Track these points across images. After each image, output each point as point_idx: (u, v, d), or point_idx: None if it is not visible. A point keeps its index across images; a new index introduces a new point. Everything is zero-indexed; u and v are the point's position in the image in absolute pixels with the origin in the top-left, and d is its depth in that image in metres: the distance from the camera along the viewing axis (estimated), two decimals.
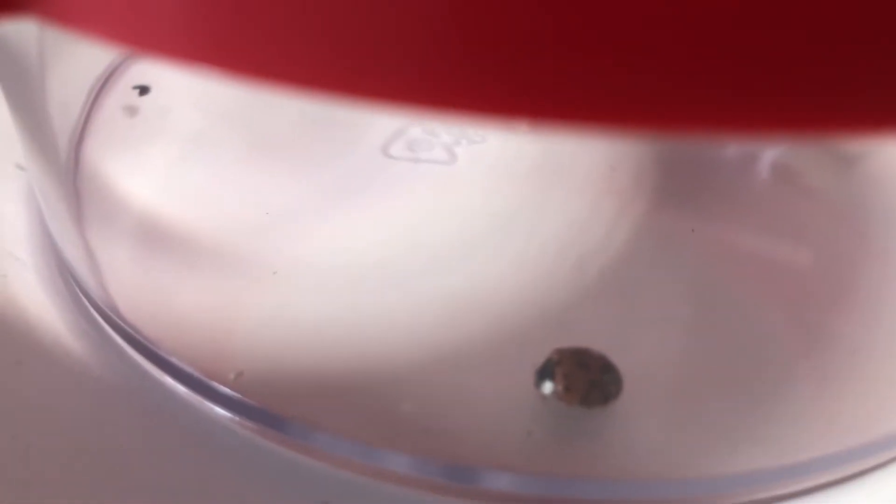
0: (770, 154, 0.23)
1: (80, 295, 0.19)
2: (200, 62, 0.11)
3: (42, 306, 0.19)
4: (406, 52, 0.10)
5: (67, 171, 0.20)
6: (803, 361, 0.18)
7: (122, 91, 0.22)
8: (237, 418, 0.16)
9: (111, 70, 0.22)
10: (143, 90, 0.23)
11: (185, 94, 0.23)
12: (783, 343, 0.18)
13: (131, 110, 0.22)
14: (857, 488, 0.16)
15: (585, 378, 0.16)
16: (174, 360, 0.17)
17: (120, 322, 0.18)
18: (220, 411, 0.17)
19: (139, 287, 0.19)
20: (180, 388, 0.17)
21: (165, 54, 0.11)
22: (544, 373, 0.16)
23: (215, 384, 0.17)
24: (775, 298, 0.19)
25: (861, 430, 0.16)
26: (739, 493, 0.16)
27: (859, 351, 0.18)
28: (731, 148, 0.23)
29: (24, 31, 0.17)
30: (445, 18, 0.10)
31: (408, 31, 0.10)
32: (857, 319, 0.19)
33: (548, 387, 0.16)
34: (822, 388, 0.17)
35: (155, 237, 0.20)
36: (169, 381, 0.17)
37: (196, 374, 0.17)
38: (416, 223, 0.20)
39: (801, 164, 0.23)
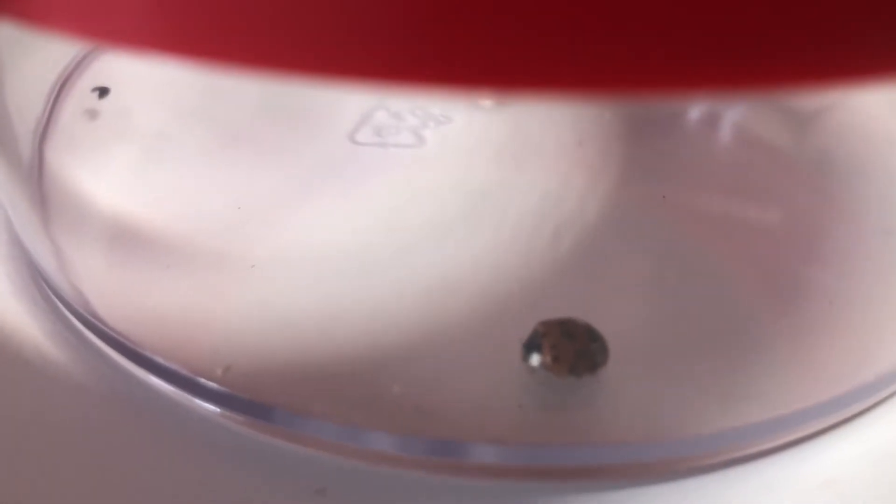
0: (730, 117, 0.23)
1: (57, 301, 0.18)
2: (170, 51, 0.11)
3: (17, 315, 0.18)
4: (373, 26, 0.10)
5: (32, 177, 0.20)
6: (782, 316, 0.18)
7: (80, 94, 0.22)
8: (226, 412, 0.16)
9: (69, 72, 0.22)
10: (103, 92, 0.22)
11: (144, 93, 0.23)
12: (761, 300, 0.18)
13: (92, 113, 0.22)
14: (844, 435, 0.16)
15: (572, 348, 0.16)
16: (158, 358, 0.17)
17: (100, 325, 0.17)
18: (208, 407, 0.17)
19: (116, 289, 0.18)
20: (166, 387, 0.17)
21: (135, 46, 0.11)
22: (531, 345, 0.16)
23: (202, 380, 0.16)
24: (750, 258, 0.19)
25: (844, 378, 0.17)
26: (731, 449, 0.16)
27: (835, 301, 0.18)
28: (693, 113, 0.23)
29: None
30: None
31: (374, 6, 0.10)
32: (830, 271, 0.19)
33: (535, 359, 0.16)
34: (803, 341, 0.18)
35: (128, 238, 0.19)
36: (154, 380, 0.17)
37: (181, 371, 0.17)
38: (390, 207, 0.20)
39: (761, 124, 0.23)
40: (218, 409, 0.16)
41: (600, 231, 0.20)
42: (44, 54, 0.22)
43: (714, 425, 0.16)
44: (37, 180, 0.20)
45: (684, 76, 0.10)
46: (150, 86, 0.23)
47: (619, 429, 0.16)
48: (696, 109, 0.23)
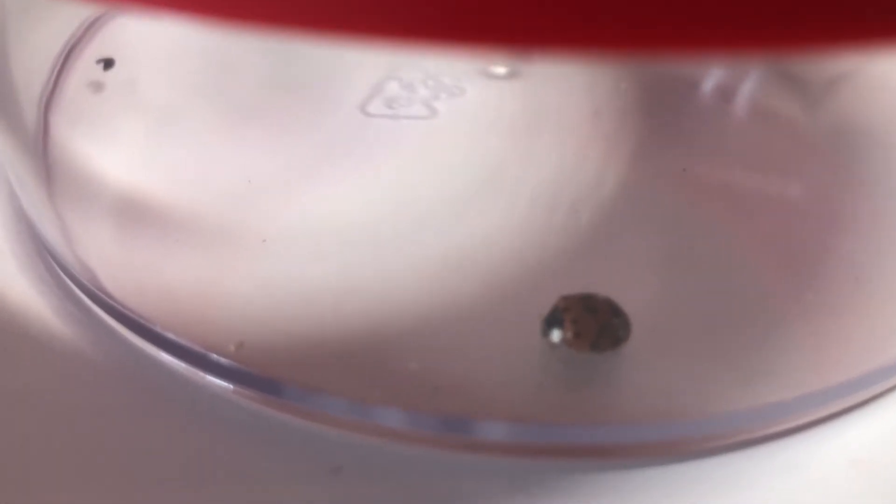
0: (746, 89, 0.22)
1: (64, 277, 0.18)
2: (179, 9, 0.10)
3: (24, 291, 0.18)
4: None
5: (38, 148, 0.19)
6: (806, 291, 0.18)
7: (86, 64, 0.22)
8: (239, 389, 0.16)
9: (74, 41, 0.22)
10: (108, 64, 0.22)
11: (150, 64, 0.22)
12: (784, 275, 0.18)
13: (97, 85, 0.22)
14: (870, 413, 0.16)
15: (594, 323, 0.16)
16: (168, 334, 0.16)
17: (109, 301, 0.17)
18: (220, 383, 0.16)
19: (125, 264, 0.18)
20: (177, 363, 0.17)
21: (143, 5, 0.11)
22: (552, 321, 0.16)
23: (214, 356, 0.16)
24: (773, 232, 0.19)
25: (869, 355, 0.16)
26: (754, 427, 0.16)
27: (861, 277, 0.18)
28: (707, 83, 0.22)
29: None
30: None
31: None
32: (853, 245, 0.19)
33: (556, 335, 0.16)
34: (827, 317, 0.17)
35: (136, 212, 0.19)
36: (164, 356, 0.17)
37: (193, 347, 0.16)
38: (403, 180, 0.20)
39: (777, 97, 0.22)
40: (230, 386, 0.16)
41: (618, 204, 0.19)
42: (49, 22, 0.21)
43: (737, 403, 0.16)
44: (42, 152, 0.20)
45: (702, 35, 0.10)
46: (156, 57, 0.22)
47: (642, 407, 0.16)
48: (711, 79, 0.22)
